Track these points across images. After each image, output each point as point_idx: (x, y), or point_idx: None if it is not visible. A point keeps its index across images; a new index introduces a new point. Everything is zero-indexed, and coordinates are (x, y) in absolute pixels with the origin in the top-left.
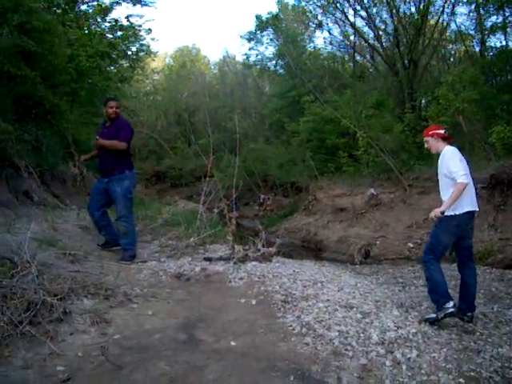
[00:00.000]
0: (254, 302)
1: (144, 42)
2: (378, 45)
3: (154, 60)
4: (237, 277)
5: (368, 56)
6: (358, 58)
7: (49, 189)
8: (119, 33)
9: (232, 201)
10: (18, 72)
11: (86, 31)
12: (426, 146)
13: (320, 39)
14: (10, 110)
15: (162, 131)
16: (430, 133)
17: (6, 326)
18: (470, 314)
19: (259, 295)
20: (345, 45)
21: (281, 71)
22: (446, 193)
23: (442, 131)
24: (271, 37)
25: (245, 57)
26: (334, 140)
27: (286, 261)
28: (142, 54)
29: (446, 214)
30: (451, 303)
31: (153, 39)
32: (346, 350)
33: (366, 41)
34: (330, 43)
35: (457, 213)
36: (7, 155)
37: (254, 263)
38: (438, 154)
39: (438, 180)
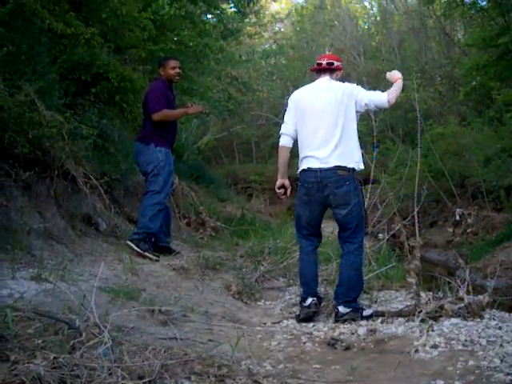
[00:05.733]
0: None
1: None
2: None
3: (274, 1)
4: (427, 344)
5: None
6: None
7: (122, 210)
8: None
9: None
10: (65, 29)
11: None
12: None
13: None
14: (57, 91)
15: None
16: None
17: None
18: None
19: (467, 374)
20: None
21: (483, 4)
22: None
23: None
24: None
25: None
26: None
27: (507, 316)
28: None
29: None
30: (309, 300)
31: None
32: None
33: None
34: None
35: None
36: (56, 160)
37: (454, 321)
38: None
39: None
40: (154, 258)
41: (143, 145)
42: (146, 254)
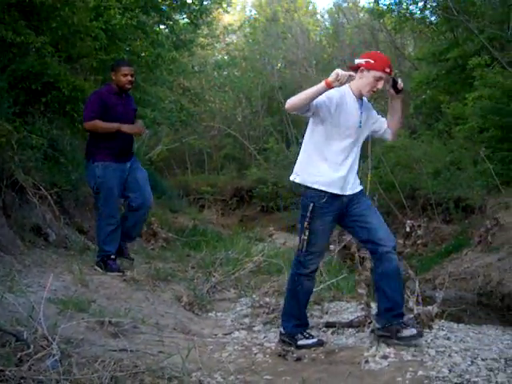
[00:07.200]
0: None
1: None
2: None
3: (227, 12)
4: (377, 354)
5: None
6: None
7: (72, 221)
8: None
9: None
10: (15, 38)
11: None
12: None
13: None
14: (6, 99)
15: (245, 125)
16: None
17: None
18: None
19: None
20: None
21: (433, 18)
22: None
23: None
24: None
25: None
26: None
27: (456, 327)
28: (208, 2)
29: None
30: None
31: None
32: None
33: None
34: None
35: None
36: (4, 170)
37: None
38: None
39: None
40: (117, 274)
41: (86, 160)
42: (109, 273)
